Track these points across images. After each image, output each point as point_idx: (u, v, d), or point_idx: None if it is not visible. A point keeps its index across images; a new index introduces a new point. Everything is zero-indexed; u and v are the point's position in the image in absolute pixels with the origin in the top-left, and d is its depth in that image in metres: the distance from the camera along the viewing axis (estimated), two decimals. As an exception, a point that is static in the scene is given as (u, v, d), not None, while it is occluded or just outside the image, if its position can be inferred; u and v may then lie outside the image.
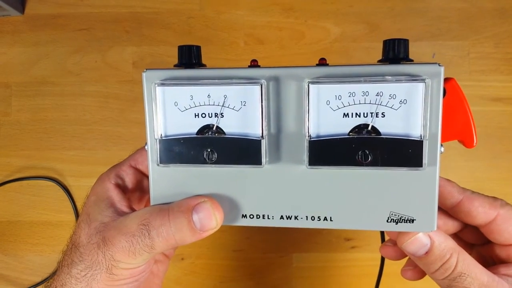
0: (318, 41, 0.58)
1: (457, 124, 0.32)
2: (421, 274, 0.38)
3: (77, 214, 0.59)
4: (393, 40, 0.30)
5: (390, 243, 0.39)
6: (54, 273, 0.59)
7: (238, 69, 0.31)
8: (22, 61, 0.60)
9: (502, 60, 0.57)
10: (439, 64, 0.29)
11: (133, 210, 0.34)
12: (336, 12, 0.58)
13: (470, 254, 0.38)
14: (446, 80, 0.31)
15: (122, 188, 0.36)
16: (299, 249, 0.59)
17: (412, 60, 0.30)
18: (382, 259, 0.40)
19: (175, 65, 0.33)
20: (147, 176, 0.38)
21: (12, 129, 0.60)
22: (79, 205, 0.60)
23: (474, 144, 0.33)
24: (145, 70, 0.32)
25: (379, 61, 0.31)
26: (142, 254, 0.31)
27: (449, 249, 0.31)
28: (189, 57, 0.32)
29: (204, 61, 0.33)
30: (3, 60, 0.60)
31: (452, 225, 0.37)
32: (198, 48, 0.33)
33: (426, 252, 0.31)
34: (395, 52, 0.30)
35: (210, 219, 0.31)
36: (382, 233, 0.38)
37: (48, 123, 0.60)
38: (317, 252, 0.59)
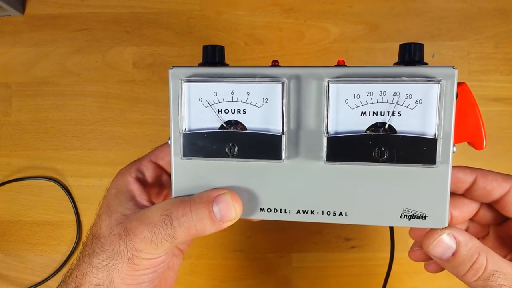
0: (318, 41, 0.59)
1: (467, 126, 0.34)
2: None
3: (77, 214, 0.59)
4: (409, 44, 0.32)
5: (417, 247, 0.40)
6: (55, 273, 0.59)
7: (260, 68, 0.32)
8: (23, 61, 0.60)
9: (501, 60, 0.58)
10: (453, 66, 0.30)
11: (152, 203, 0.36)
12: (336, 12, 0.59)
13: (488, 236, 0.38)
14: (458, 84, 0.32)
15: (142, 182, 0.37)
16: (298, 249, 0.59)
17: (427, 63, 0.31)
18: (391, 260, 0.40)
19: (199, 64, 0.34)
20: (166, 172, 0.39)
21: (12, 129, 0.60)
22: (79, 205, 0.60)
23: (484, 146, 0.34)
24: (171, 68, 0.33)
25: (395, 63, 0.32)
26: (164, 244, 0.32)
27: (476, 248, 0.31)
28: (213, 56, 0.34)
29: None
30: (4, 60, 0.60)
31: (468, 211, 0.37)
32: (221, 48, 0.34)
33: (453, 254, 0.31)
34: (411, 55, 0.31)
35: (230, 210, 0.32)
36: (391, 232, 0.39)
37: (49, 123, 0.60)
38: (317, 252, 0.59)
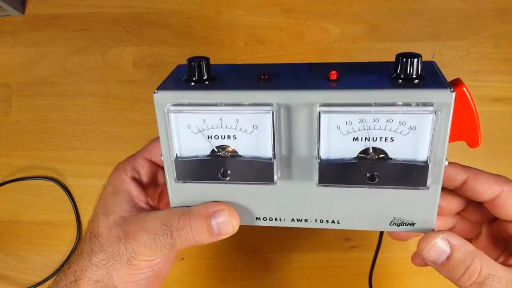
0: (318, 41, 0.59)
1: (464, 126, 0.33)
2: None
3: (77, 214, 0.59)
4: (406, 58, 0.30)
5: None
6: (55, 273, 0.59)
7: (248, 91, 0.31)
8: (23, 61, 0.60)
9: (501, 60, 0.58)
10: (451, 89, 0.29)
11: (150, 205, 0.36)
12: (336, 12, 0.59)
13: (480, 236, 0.38)
14: (457, 84, 0.31)
15: (138, 181, 0.37)
16: (298, 249, 0.59)
17: (424, 76, 0.30)
18: (373, 260, 0.40)
19: (184, 79, 0.33)
20: (161, 168, 0.39)
21: (12, 129, 0.60)
22: (79, 205, 0.60)
23: (479, 144, 0.34)
24: (155, 92, 0.31)
25: (391, 77, 0.31)
26: (163, 250, 0.33)
27: (470, 252, 0.31)
28: (200, 73, 0.32)
29: None
30: (4, 60, 0.60)
31: (455, 204, 0.38)
32: (207, 60, 0.32)
33: (447, 258, 0.31)
34: (407, 72, 0.30)
35: (227, 225, 0.33)
36: (380, 234, 0.39)
37: (49, 123, 0.60)
38: (317, 252, 0.59)
